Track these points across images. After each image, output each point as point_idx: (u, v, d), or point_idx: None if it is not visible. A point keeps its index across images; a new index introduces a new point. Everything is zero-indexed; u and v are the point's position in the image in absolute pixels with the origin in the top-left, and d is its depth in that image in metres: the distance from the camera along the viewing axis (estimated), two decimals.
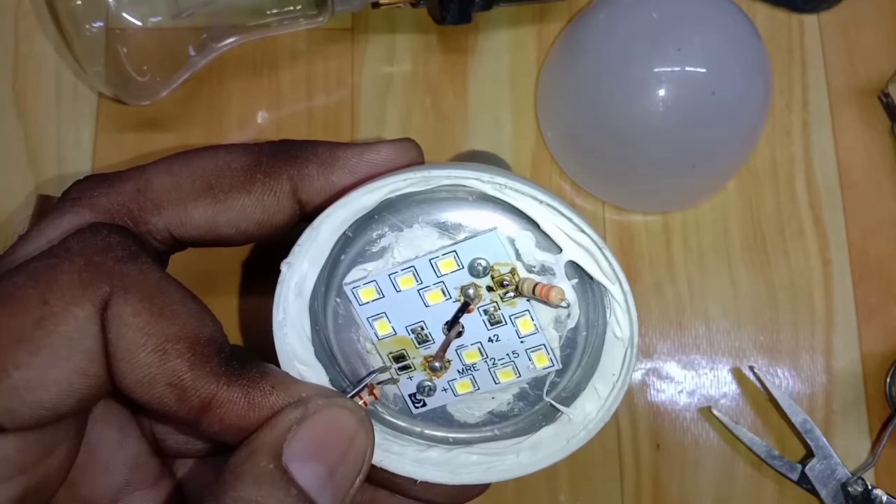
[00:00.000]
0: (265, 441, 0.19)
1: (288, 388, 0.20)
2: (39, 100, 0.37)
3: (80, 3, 0.32)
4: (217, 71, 0.37)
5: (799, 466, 0.35)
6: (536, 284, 0.21)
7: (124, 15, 0.33)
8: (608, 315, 0.22)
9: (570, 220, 0.21)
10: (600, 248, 0.21)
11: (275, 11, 0.34)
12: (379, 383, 0.23)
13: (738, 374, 0.37)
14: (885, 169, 0.39)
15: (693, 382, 0.37)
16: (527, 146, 0.38)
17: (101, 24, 0.32)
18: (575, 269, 0.22)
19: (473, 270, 0.21)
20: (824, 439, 0.35)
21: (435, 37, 0.38)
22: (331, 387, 0.23)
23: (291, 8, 0.34)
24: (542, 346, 0.22)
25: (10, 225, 0.35)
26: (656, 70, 0.34)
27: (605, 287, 0.22)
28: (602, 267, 0.22)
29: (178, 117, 0.37)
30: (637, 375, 0.36)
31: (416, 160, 0.23)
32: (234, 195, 0.21)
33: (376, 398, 0.22)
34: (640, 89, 0.34)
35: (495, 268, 0.22)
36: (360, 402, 0.22)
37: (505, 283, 0.22)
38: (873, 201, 0.39)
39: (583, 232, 0.21)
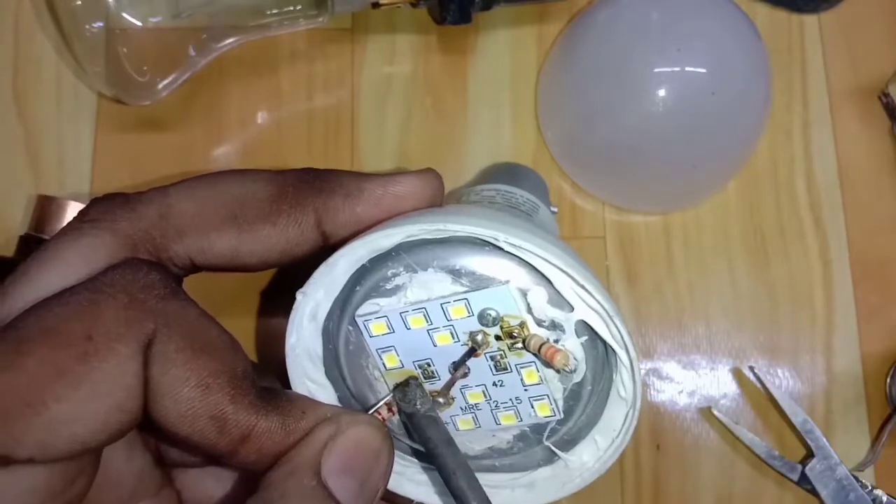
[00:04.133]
0: (305, 459, 0.20)
1: (317, 411, 0.21)
2: (39, 100, 0.37)
3: (80, 3, 0.32)
4: (217, 71, 0.37)
5: (799, 466, 0.35)
6: (543, 344, 0.21)
7: (124, 15, 0.33)
8: (614, 374, 0.23)
9: (584, 288, 0.21)
10: (611, 318, 0.21)
11: (275, 12, 0.34)
12: (400, 399, 0.23)
13: (738, 375, 0.37)
14: (885, 169, 0.39)
15: (693, 383, 0.37)
16: (527, 146, 0.38)
17: (101, 24, 0.32)
18: (585, 327, 0.22)
19: (483, 319, 0.22)
20: (824, 439, 0.35)
21: (435, 37, 0.38)
22: (339, 404, 0.23)
23: (291, 8, 0.34)
24: (546, 397, 0.23)
25: (11, 224, 0.35)
26: (656, 70, 0.34)
27: (613, 350, 0.22)
28: (612, 332, 0.22)
29: (177, 117, 0.37)
30: None
31: (438, 191, 0.23)
32: (258, 226, 0.21)
33: (393, 414, 0.23)
34: (640, 89, 0.34)
35: (505, 319, 0.22)
36: (378, 417, 0.22)
37: (514, 334, 0.22)
38: (873, 201, 0.39)
39: (596, 300, 0.21)
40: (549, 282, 0.21)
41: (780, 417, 0.36)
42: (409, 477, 0.23)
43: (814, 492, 0.35)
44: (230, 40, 0.34)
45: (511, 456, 0.24)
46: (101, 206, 0.21)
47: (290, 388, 0.23)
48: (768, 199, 0.38)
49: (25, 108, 0.36)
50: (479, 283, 0.22)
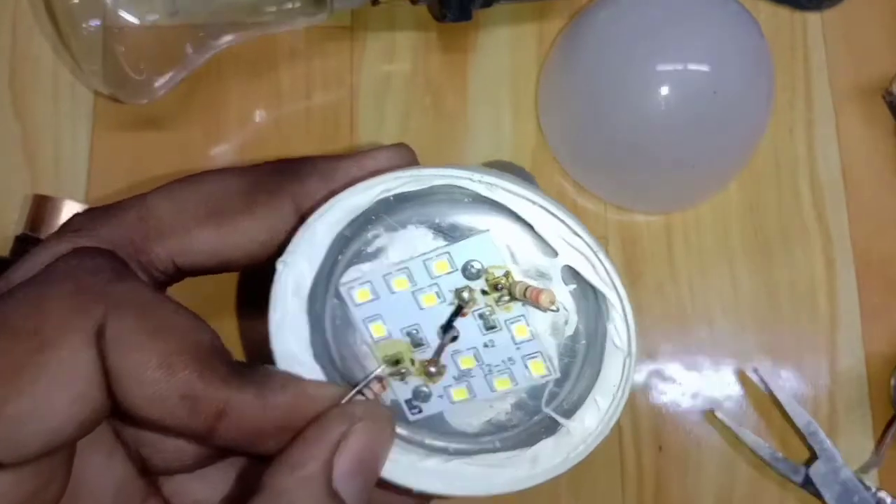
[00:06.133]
0: (316, 463, 0.19)
1: (298, 386, 0.20)
2: (37, 99, 0.36)
3: (77, 1, 0.32)
4: (215, 69, 0.37)
5: (803, 468, 0.35)
6: (528, 287, 0.21)
7: (121, 13, 0.33)
8: (608, 323, 0.22)
9: (563, 222, 0.21)
10: (595, 252, 0.21)
11: (273, 9, 0.34)
12: (390, 375, 0.23)
13: (741, 376, 0.36)
14: (888, 168, 0.39)
15: (696, 384, 0.36)
16: (527, 145, 0.38)
17: (98, 22, 0.32)
18: (573, 274, 0.22)
19: (468, 273, 0.21)
20: (828, 441, 0.35)
21: (435, 35, 0.38)
22: None
23: (290, 5, 0.34)
24: (539, 354, 0.22)
25: (6, 224, 0.35)
26: (658, 69, 0.34)
27: (603, 293, 0.21)
28: (598, 272, 0.21)
29: (175, 116, 0.36)
30: (640, 377, 0.36)
31: (412, 163, 0.23)
32: (237, 219, 0.21)
33: (384, 389, 0.22)
34: (641, 88, 0.34)
35: (490, 270, 0.21)
36: (370, 393, 0.22)
37: (499, 286, 0.21)
38: (877, 200, 0.38)
39: (577, 235, 0.21)
40: (531, 229, 0.21)
41: (784, 419, 0.36)
42: (409, 465, 0.22)
43: (818, 494, 0.35)
44: (228, 38, 0.34)
45: (511, 430, 0.23)
46: (81, 217, 0.21)
47: (275, 365, 0.22)
48: (771, 199, 0.38)
49: (22, 106, 0.36)
50: (461, 235, 0.21)
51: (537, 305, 0.21)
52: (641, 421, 0.36)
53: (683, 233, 0.38)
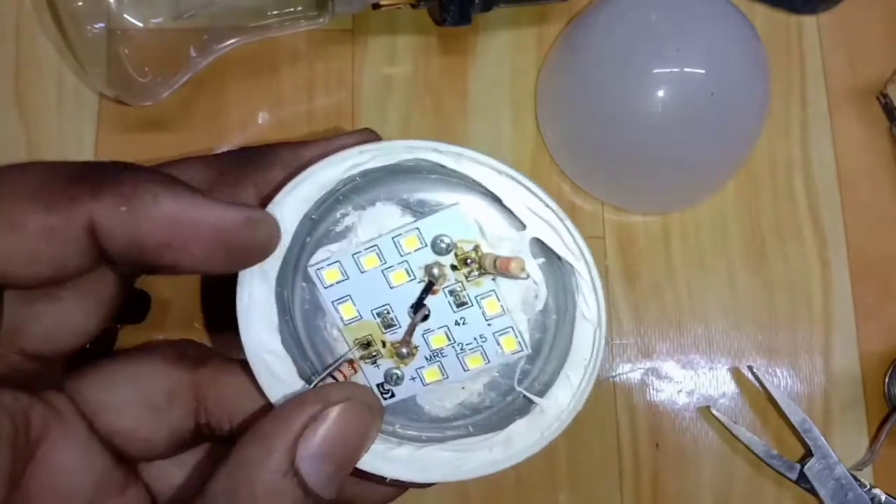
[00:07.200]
0: (280, 441, 0.19)
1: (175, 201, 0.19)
2: (41, 101, 0.37)
3: (81, 4, 0.32)
4: (218, 72, 0.37)
5: (797, 466, 0.35)
6: (497, 258, 0.21)
7: (125, 16, 0.33)
8: (577, 296, 0.22)
9: (530, 191, 0.21)
10: (562, 220, 0.21)
11: (275, 13, 0.34)
12: (361, 359, 0.22)
13: (736, 374, 0.37)
14: (883, 169, 0.39)
15: (692, 382, 0.37)
16: (526, 147, 0.38)
17: (102, 25, 0.32)
18: (541, 247, 0.22)
19: (437, 248, 0.21)
20: (823, 439, 0.35)
21: (435, 38, 0.39)
22: (297, 377, 0.22)
23: (292, 9, 0.34)
24: (510, 329, 0.22)
25: None
26: (655, 71, 0.34)
27: (571, 265, 0.21)
28: (566, 242, 0.21)
29: (179, 118, 0.37)
30: (636, 375, 0.36)
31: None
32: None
33: (355, 371, 0.22)
34: (639, 90, 0.34)
35: (459, 245, 0.21)
36: (340, 376, 0.22)
37: (469, 260, 0.21)
38: (871, 201, 0.39)
39: (545, 205, 0.21)
40: (501, 204, 0.21)
41: (779, 417, 0.36)
42: (381, 454, 0.22)
43: (812, 491, 0.35)
44: (231, 41, 0.34)
45: (484, 412, 0.23)
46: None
47: (244, 355, 0.22)
48: (767, 200, 0.38)
49: (27, 109, 0.36)
50: (430, 210, 0.21)
51: (507, 273, 0.21)
52: (638, 418, 0.36)
53: (681, 233, 0.38)
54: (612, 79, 0.35)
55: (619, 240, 0.38)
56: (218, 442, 0.24)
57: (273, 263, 0.21)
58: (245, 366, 0.22)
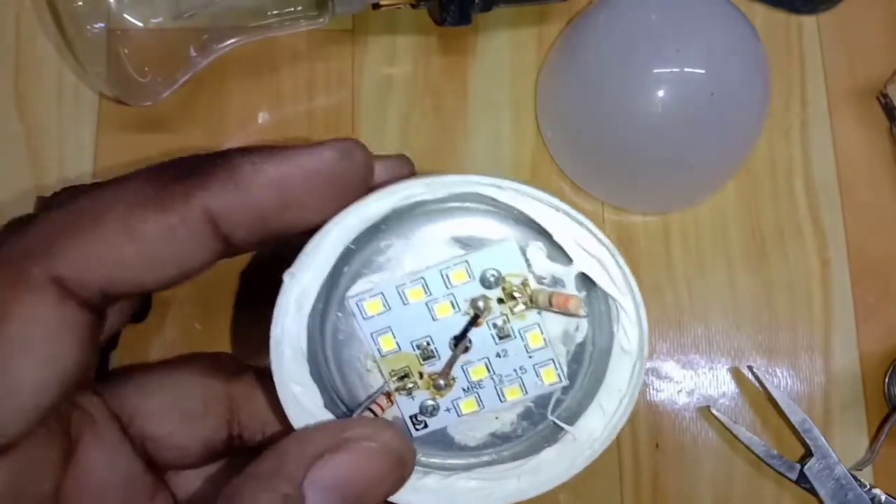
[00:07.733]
0: (292, 462, 0.19)
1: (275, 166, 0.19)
2: (41, 101, 0.37)
3: (81, 4, 0.32)
4: (218, 72, 0.37)
5: (797, 466, 0.35)
6: (553, 294, 0.21)
7: (125, 16, 0.33)
8: (615, 328, 0.22)
9: (587, 228, 0.21)
10: (613, 256, 0.21)
11: (275, 13, 0.34)
12: (396, 391, 0.22)
13: (736, 374, 0.37)
14: (883, 169, 0.39)
15: (692, 382, 0.37)
16: (526, 147, 0.38)
17: (102, 25, 0.32)
18: (583, 281, 0.22)
19: (485, 281, 0.21)
20: (823, 439, 0.35)
21: (435, 38, 0.39)
22: (323, 408, 0.22)
23: (292, 9, 0.34)
24: (551, 362, 0.22)
25: None
26: (655, 71, 0.34)
27: (614, 299, 0.21)
28: (614, 278, 0.21)
29: (179, 118, 0.37)
30: None
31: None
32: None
33: (392, 404, 0.22)
34: (639, 90, 0.34)
35: (507, 279, 0.21)
36: (378, 408, 0.21)
37: (515, 294, 0.21)
38: (871, 201, 0.39)
39: (598, 241, 0.21)
40: (546, 237, 0.21)
41: (779, 416, 0.36)
42: (410, 485, 0.21)
43: (812, 491, 0.35)
44: (231, 41, 0.34)
45: (514, 441, 0.23)
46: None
47: (273, 385, 0.21)
48: (767, 200, 0.38)
49: (26, 108, 0.36)
50: (477, 244, 0.21)
51: (566, 312, 0.20)
52: (638, 419, 0.36)
53: (681, 233, 0.38)
54: (612, 79, 0.35)
55: (619, 240, 0.38)
56: (248, 454, 0.23)
57: (310, 295, 0.21)
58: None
